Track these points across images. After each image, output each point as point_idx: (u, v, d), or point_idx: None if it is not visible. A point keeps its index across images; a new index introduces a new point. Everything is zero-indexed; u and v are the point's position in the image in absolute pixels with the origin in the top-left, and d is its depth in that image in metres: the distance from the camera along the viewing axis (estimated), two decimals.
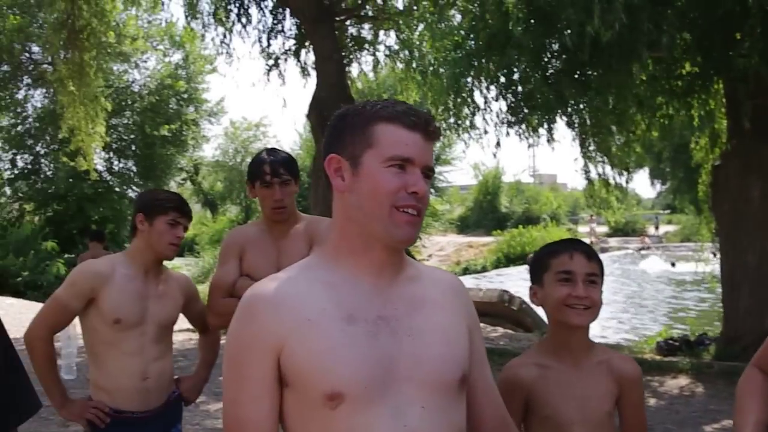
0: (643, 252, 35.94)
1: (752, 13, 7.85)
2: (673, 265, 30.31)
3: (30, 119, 28.42)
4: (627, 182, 12.40)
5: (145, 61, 29.45)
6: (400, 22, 12.57)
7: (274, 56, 13.10)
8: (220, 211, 39.11)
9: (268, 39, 12.91)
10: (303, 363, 1.64)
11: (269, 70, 13.12)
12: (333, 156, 1.76)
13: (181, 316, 3.70)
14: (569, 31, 8.24)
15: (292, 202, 3.57)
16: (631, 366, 2.45)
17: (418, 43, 12.53)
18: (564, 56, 9.34)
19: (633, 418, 2.42)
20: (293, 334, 1.65)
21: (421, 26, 12.28)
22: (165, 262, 3.54)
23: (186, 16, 12.72)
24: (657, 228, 46.41)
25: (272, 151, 3.65)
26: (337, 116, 1.81)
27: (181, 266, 20.20)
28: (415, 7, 12.21)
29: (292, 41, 13.04)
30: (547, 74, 9.54)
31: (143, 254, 3.44)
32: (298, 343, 1.64)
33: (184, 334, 10.44)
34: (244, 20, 12.63)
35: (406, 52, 12.83)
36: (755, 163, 9.39)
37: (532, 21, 8.82)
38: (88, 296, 3.32)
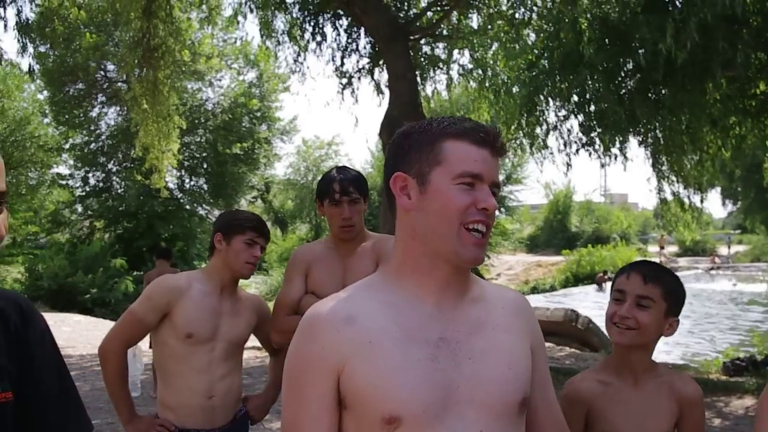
0: (712, 272, 35.12)
1: None
2: (734, 285, 29.62)
3: (103, 137, 28.94)
4: (702, 201, 12.29)
5: (219, 80, 29.94)
6: (474, 41, 12.67)
7: (347, 75, 13.23)
8: (290, 229, 39.56)
9: (342, 58, 13.06)
10: (362, 385, 1.62)
11: (343, 89, 13.26)
12: (399, 174, 1.73)
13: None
14: (642, 50, 8.30)
15: (360, 220, 3.54)
16: (693, 387, 2.48)
17: (491, 62, 12.60)
18: (637, 75, 9.36)
19: None
20: (354, 355, 1.63)
21: (495, 45, 12.39)
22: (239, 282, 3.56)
23: (261, 35, 12.90)
24: (729, 248, 45.30)
25: (342, 169, 3.63)
26: (401, 134, 1.79)
27: (249, 284, 20.29)
28: (489, 27, 12.31)
29: (366, 60, 13.17)
30: (620, 93, 9.57)
31: (220, 272, 3.47)
32: (359, 365, 1.63)
33: (249, 351, 10.61)
34: (318, 38, 12.77)
35: (480, 71, 12.90)
36: None
37: (606, 40, 8.89)
38: (164, 311, 3.37)
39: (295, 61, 13.20)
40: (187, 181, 30.46)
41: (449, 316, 1.72)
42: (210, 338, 3.40)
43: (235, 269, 3.46)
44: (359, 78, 13.36)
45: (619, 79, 9.55)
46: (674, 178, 11.88)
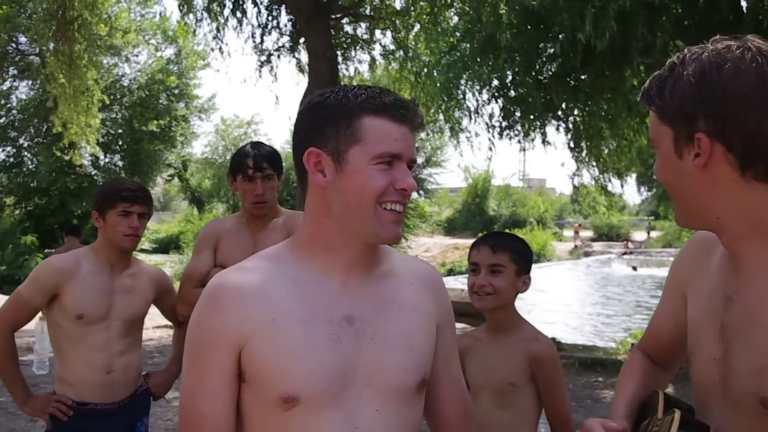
0: (626, 257, 36.13)
1: (745, 21, 7.95)
2: (634, 269, 30.61)
3: (14, 111, 28.16)
4: (622, 186, 12.53)
5: (137, 55, 29.36)
6: (397, 22, 12.59)
7: (267, 52, 13.06)
8: (207, 208, 39.00)
9: (262, 35, 12.85)
10: (262, 363, 1.61)
11: (261, 66, 13.08)
12: (313, 150, 1.65)
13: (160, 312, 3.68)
14: (562, 37, 8.32)
15: (273, 197, 3.55)
16: (543, 348, 2.71)
17: (413, 43, 12.57)
18: (556, 61, 9.41)
19: (547, 395, 2.69)
20: (256, 332, 1.62)
21: (417, 27, 12.33)
22: (146, 256, 3.51)
23: (180, 10, 12.57)
24: (648, 233, 46.65)
25: (256, 145, 3.62)
26: (315, 105, 1.69)
27: (164, 263, 20.07)
28: (411, 8, 12.25)
29: (287, 38, 13.00)
30: (540, 79, 9.62)
31: (105, 249, 3.37)
32: (260, 342, 1.61)
33: (162, 330, 10.45)
34: (238, 15, 12.52)
35: (401, 53, 12.85)
36: None
37: (528, 26, 8.90)
38: (51, 292, 3.27)
39: (215, 37, 12.91)
40: (102, 157, 29.79)
41: (356, 294, 1.70)
42: (103, 317, 3.32)
43: (115, 243, 3.35)
44: (279, 56, 13.20)
45: (539, 64, 9.58)
46: (592, 164, 12.05)
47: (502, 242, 2.78)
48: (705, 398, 1.65)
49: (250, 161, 3.48)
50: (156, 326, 10.45)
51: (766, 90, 1.45)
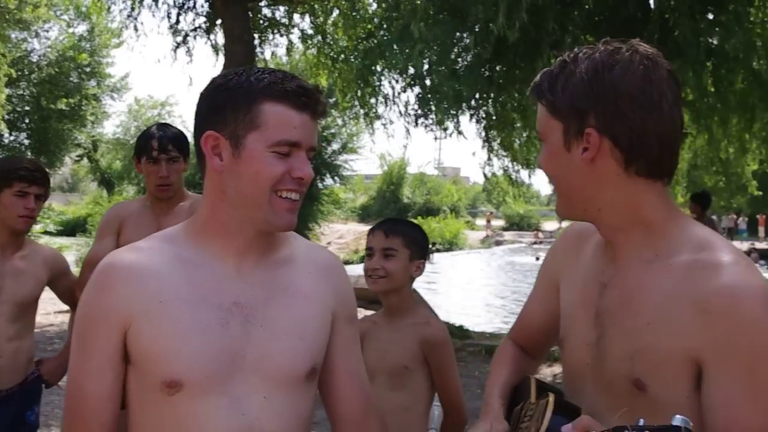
0: (535, 246, 36.93)
1: (653, 19, 8.23)
2: (537, 259, 31.41)
3: None
4: (530, 176, 12.80)
5: (47, 31, 28.65)
6: (315, 6, 12.54)
7: (183, 33, 12.82)
8: (117, 190, 38.07)
9: (178, 15, 12.61)
10: (147, 346, 1.60)
11: (177, 47, 12.82)
12: (211, 133, 1.64)
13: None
14: (477, 28, 8.46)
15: (179, 179, 3.50)
16: (436, 332, 2.82)
17: (331, 29, 12.54)
18: (471, 52, 9.55)
19: (439, 378, 2.80)
20: (143, 313, 1.61)
21: (335, 12, 12.31)
22: (50, 239, 3.43)
23: None
24: (561, 223, 47.70)
25: (162, 127, 3.57)
26: (216, 87, 1.68)
27: (70, 246, 19.50)
28: None
29: (203, 19, 12.78)
30: (455, 69, 9.74)
31: None
32: (146, 323, 1.61)
33: (65, 315, 10.22)
34: None
35: (319, 38, 12.80)
36: None
37: (443, 15, 8.99)
38: None
39: (129, 15, 12.58)
40: (7, 135, 28.73)
41: (248, 279, 1.69)
42: None
43: (9, 224, 3.25)
44: (195, 37, 12.93)
45: (454, 54, 9.70)
46: (504, 154, 12.27)
47: (395, 227, 2.88)
48: (576, 382, 1.73)
49: (155, 143, 3.43)
50: (58, 311, 10.20)
51: (651, 91, 1.55)
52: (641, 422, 1.24)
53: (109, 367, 1.63)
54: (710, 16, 8.57)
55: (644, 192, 1.61)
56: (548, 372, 9.11)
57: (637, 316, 1.58)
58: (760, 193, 17.03)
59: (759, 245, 37.41)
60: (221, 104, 1.64)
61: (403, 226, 2.95)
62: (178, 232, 1.75)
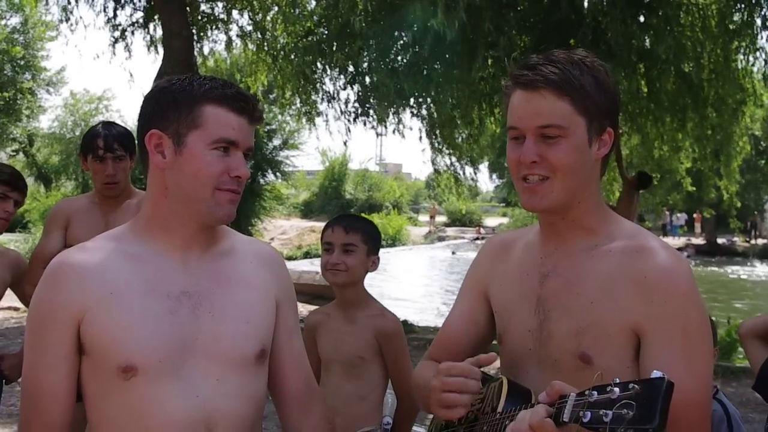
0: (477, 242, 37.25)
1: (585, 22, 8.40)
2: (453, 252, 31.80)
3: None
4: (475, 173, 12.93)
5: None
6: (255, 2, 12.44)
7: (120, 28, 12.60)
8: (54, 186, 37.27)
9: (115, 9, 12.40)
10: (101, 335, 1.68)
11: (115, 42, 12.59)
12: (155, 132, 1.74)
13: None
14: (416, 27, 8.52)
15: (125, 177, 3.53)
16: (389, 324, 2.93)
17: (271, 25, 12.46)
18: (410, 50, 9.61)
19: (393, 367, 2.91)
20: (95, 305, 1.69)
21: (275, 9, 12.23)
22: None
23: None
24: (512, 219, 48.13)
25: (108, 125, 3.59)
26: (160, 90, 1.79)
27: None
28: None
29: (141, 13, 12.57)
30: (394, 67, 9.79)
31: None
32: (99, 315, 1.68)
33: (4, 312, 10.03)
34: None
35: (259, 34, 12.70)
36: None
37: (382, 14, 9.03)
38: None
39: (64, 9, 12.32)
40: None
41: (194, 270, 1.79)
42: None
43: None
44: (133, 32, 12.71)
45: (393, 53, 9.75)
46: (447, 151, 12.38)
47: (355, 223, 2.97)
48: (519, 368, 1.85)
49: (101, 141, 3.45)
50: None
51: None
52: (617, 380, 1.32)
53: (63, 361, 1.71)
54: (641, 20, 8.77)
55: (600, 189, 1.81)
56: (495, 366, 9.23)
57: (581, 296, 1.74)
58: (694, 188, 17.47)
59: (695, 241, 38.40)
60: (165, 105, 1.74)
61: (362, 222, 3.04)
62: (123, 231, 1.84)
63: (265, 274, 1.90)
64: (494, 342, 2.04)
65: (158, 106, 1.76)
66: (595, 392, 1.33)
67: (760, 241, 39.65)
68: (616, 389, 1.30)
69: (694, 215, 41.69)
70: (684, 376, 1.56)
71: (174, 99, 1.73)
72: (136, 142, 1.82)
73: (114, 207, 3.51)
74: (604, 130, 1.75)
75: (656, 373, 1.28)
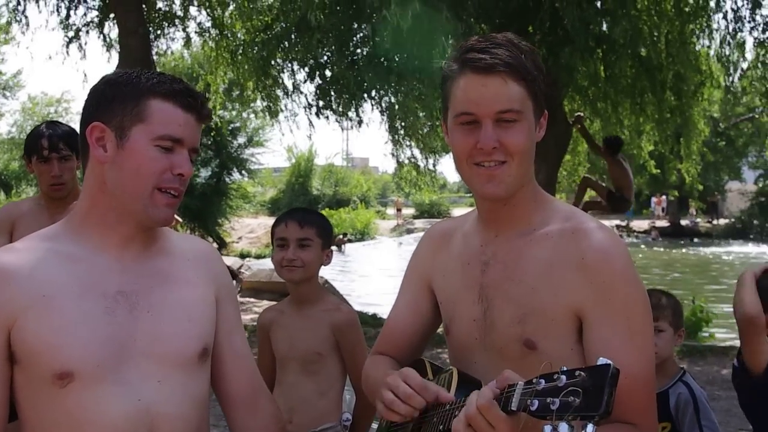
0: None
1: (543, 8, 8.42)
2: (400, 245, 32.01)
3: None
4: (434, 165, 12.92)
5: None
6: None
7: (74, 28, 12.41)
8: (15, 192, 36.71)
9: (68, 9, 12.22)
10: (34, 341, 1.59)
11: (69, 42, 12.41)
12: (97, 124, 1.67)
13: None
14: (374, 18, 8.48)
15: (72, 177, 3.47)
16: (344, 316, 2.88)
17: (229, 21, 12.36)
18: (369, 42, 9.57)
19: (351, 361, 2.84)
20: (26, 310, 1.60)
21: (232, 5, 12.13)
22: None
23: None
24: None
25: (51, 125, 3.53)
26: (106, 82, 1.72)
27: None
28: None
29: (95, 13, 12.40)
30: (354, 59, 9.75)
31: None
32: (31, 320, 1.60)
33: None
34: None
35: (217, 31, 12.60)
36: (540, 150, 10.06)
37: (339, 6, 8.99)
38: None
39: (14, 9, 12.09)
40: None
41: (131, 269, 1.71)
42: None
43: None
44: (87, 32, 12.53)
45: (352, 45, 9.71)
46: (409, 143, 12.37)
47: (309, 218, 2.90)
48: (466, 357, 1.83)
49: (45, 141, 3.39)
50: None
51: None
52: (564, 369, 1.31)
53: None
54: (598, 5, 8.82)
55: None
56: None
57: (521, 283, 1.73)
58: (659, 171, 17.67)
59: (659, 223, 38.88)
60: (110, 98, 1.68)
61: (315, 216, 2.98)
62: (57, 230, 1.75)
63: (204, 270, 1.84)
64: (439, 331, 2.02)
65: (103, 98, 1.69)
66: (543, 380, 1.33)
67: (722, 221, 40.26)
68: (563, 377, 1.30)
69: (654, 198, 42.25)
70: (627, 354, 1.60)
71: (119, 92, 1.67)
72: (79, 135, 1.75)
73: (62, 209, 3.39)
74: (542, 113, 1.76)
75: (602, 360, 1.28)
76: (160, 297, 1.72)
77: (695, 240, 35.10)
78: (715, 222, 40.62)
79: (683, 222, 38.36)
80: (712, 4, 9.50)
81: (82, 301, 1.63)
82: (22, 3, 11.89)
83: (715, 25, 9.84)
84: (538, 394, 1.32)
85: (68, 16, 12.20)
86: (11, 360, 1.62)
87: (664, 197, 40.06)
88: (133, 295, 1.69)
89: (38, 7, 12.03)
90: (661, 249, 30.54)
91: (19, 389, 1.64)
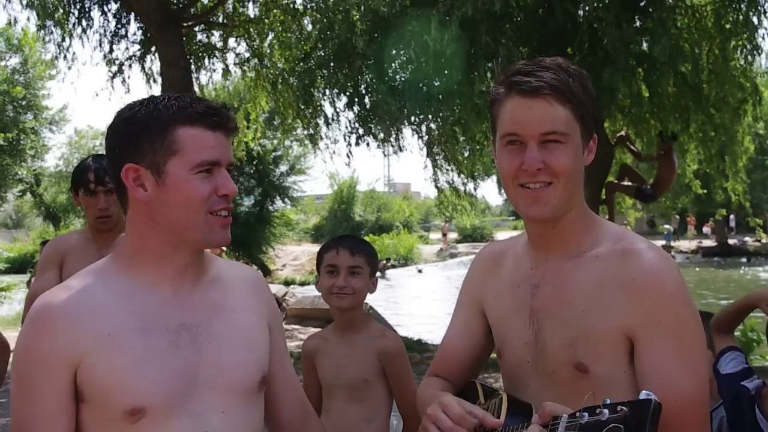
0: None
1: (582, 29, 8.39)
2: (420, 271, 31.81)
3: None
4: (475, 189, 12.87)
5: None
6: (251, 29, 12.51)
7: (117, 62, 12.67)
8: (63, 224, 37.39)
9: (111, 44, 12.48)
10: (103, 379, 1.59)
11: (113, 77, 12.67)
12: (130, 166, 1.65)
13: None
14: (413, 44, 8.52)
15: (118, 210, 3.40)
16: (392, 344, 2.88)
17: (268, 51, 12.51)
18: (409, 67, 9.59)
19: (397, 387, 2.85)
20: (92, 349, 1.59)
21: (271, 35, 12.29)
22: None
23: (32, 18, 12.08)
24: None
25: (98, 158, 3.55)
26: (125, 119, 1.68)
27: (19, 284, 19.18)
28: (265, 16, 12.19)
29: (137, 47, 12.66)
30: (393, 85, 9.77)
31: None
32: (97, 358, 1.59)
33: None
34: (84, 23, 12.10)
35: (256, 60, 12.77)
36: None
37: (378, 32, 9.03)
38: None
39: (59, 45, 12.39)
40: None
41: (187, 301, 1.71)
42: None
43: None
44: (130, 66, 12.82)
45: (392, 71, 9.74)
46: (449, 168, 12.33)
47: (360, 246, 2.92)
48: (520, 381, 1.82)
49: (91, 175, 3.43)
50: None
51: None
52: (608, 401, 1.32)
53: (62, 411, 1.59)
54: (637, 24, 8.75)
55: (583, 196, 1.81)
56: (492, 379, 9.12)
57: (572, 306, 1.72)
58: (705, 191, 17.42)
59: (706, 243, 38.21)
60: (135, 135, 1.65)
61: (365, 244, 3.00)
62: (107, 266, 1.73)
63: (256, 298, 1.85)
64: (493, 355, 2.00)
65: (128, 137, 1.66)
66: (586, 414, 1.34)
67: None
68: (606, 411, 1.31)
69: (687, 218, 41.72)
70: (679, 376, 1.59)
71: (144, 127, 1.64)
72: (111, 178, 1.74)
73: (109, 241, 3.44)
74: (591, 137, 1.76)
75: (644, 394, 1.29)
76: (219, 327, 1.73)
77: (742, 259, 34.39)
78: (764, 240, 39.80)
79: (731, 241, 37.63)
80: (755, 19, 9.35)
81: (147, 336, 1.63)
82: (67, 39, 12.17)
83: (757, 42, 9.67)
84: (582, 428, 1.33)
85: (111, 50, 12.50)
86: (77, 399, 1.62)
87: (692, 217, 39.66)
88: (194, 326, 1.69)
89: (82, 42, 12.28)
90: (712, 269, 29.96)
91: (86, 427, 1.64)
